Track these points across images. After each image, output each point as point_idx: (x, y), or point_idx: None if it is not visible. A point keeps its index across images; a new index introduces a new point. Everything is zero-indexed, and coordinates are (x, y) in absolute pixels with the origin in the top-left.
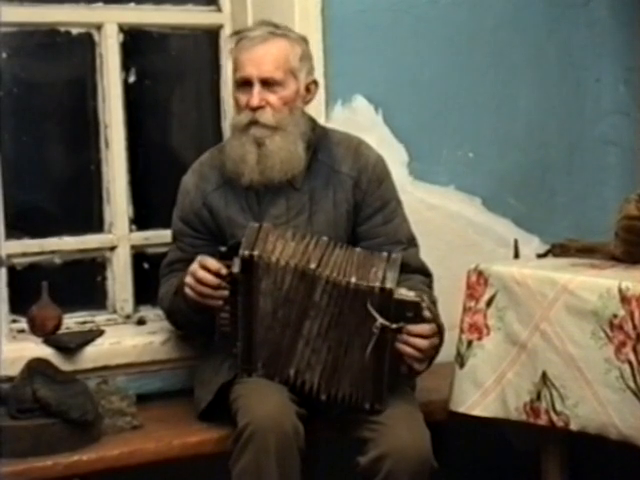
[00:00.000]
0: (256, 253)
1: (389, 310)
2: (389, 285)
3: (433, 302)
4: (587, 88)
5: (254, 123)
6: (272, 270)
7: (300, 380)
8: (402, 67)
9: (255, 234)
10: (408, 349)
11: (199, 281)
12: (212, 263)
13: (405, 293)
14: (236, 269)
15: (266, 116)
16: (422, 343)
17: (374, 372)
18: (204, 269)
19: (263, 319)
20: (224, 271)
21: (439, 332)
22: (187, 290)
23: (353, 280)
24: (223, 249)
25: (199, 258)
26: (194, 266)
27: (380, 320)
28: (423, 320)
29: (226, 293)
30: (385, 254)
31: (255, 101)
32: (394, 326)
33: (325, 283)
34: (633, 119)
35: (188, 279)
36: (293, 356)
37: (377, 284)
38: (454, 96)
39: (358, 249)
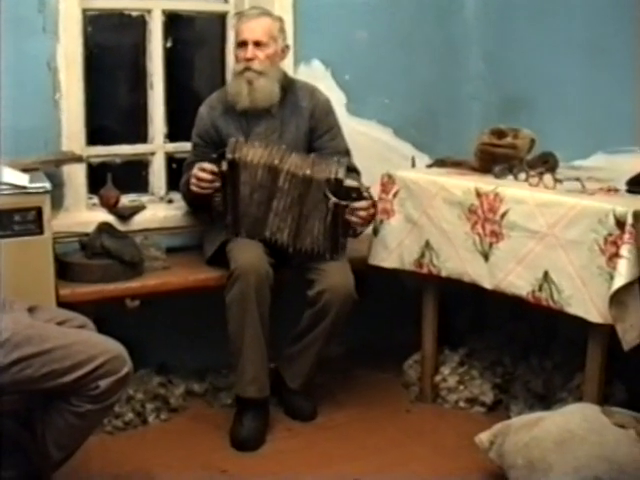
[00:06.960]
0: (237, 156)
1: (340, 193)
2: (340, 176)
3: (367, 187)
4: (461, 63)
5: (248, 69)
6: (248, 167)
7: (274, 239)
8: (346, 41)
9: (234, 145)
10: (354, 218)
11: (199, 179)
12: (207, 165)
13: (350, 182)
14: (224, 167)
15: (255, 65)
16: (363, 214)
17: (331, 234)
18: (202, 171)
19: (244, 200)
20: (216, 170)
21: (374, 206)
22: (192, 186)
23: (308, 172)
24: (214, 155)
25: (197, 164)
26: (195, 169)
27: (333, 199)
28: (363, 199)
29: (218, 184)
30: (336, 158)
31: (249, 54)
32: (343, 203)
33: (286, 174)
34: (488, 82)
35: (192, 179)
36: (266, 223)
37: (332, 176)
38: (379, 62)
39: (312, 155)
